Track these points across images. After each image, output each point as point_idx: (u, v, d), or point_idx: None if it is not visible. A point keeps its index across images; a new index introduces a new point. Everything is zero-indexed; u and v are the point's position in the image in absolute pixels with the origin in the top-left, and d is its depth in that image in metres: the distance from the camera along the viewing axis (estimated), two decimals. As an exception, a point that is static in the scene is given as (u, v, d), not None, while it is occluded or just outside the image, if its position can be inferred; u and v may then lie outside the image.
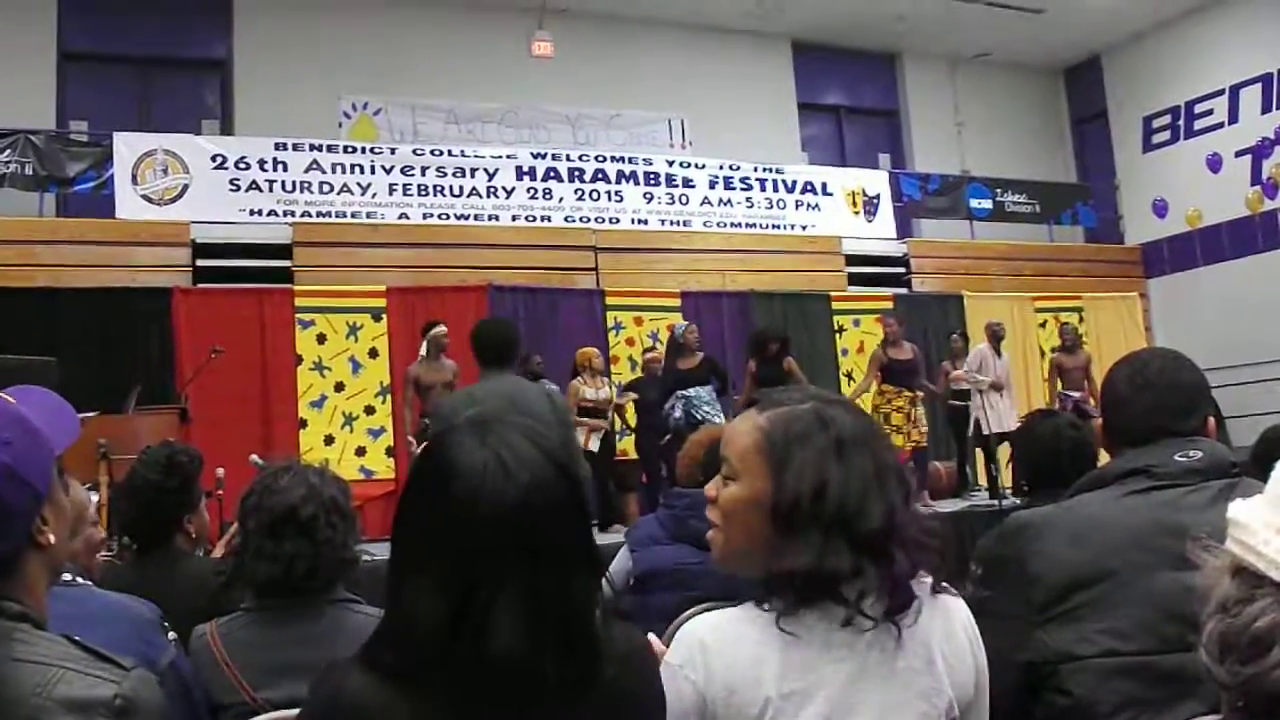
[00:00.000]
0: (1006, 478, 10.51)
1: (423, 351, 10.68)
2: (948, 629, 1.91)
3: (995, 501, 10.85)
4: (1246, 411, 10.97)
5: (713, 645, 1.82)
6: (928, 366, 12.72)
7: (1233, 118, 16.61)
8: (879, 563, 1.80)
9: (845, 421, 1.92)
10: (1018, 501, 4.47)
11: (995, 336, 12.41)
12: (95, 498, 7.71)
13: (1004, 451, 10.09)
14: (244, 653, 2.74)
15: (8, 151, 12.10)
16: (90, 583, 2.99)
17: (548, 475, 1.61)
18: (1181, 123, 17.34)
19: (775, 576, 1.84)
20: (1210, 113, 16.91)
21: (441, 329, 10.65)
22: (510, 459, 1.59)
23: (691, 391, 10.86)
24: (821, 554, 1.80)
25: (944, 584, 1.94)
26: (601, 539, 9.48)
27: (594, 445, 11.13)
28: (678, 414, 10.69)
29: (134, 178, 12.36)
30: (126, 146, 12.48)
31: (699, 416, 10.48)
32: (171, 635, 2.81)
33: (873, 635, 1.81)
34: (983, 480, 12.73)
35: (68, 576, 2.50)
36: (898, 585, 1.82)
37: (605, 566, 1.76)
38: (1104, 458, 2.71)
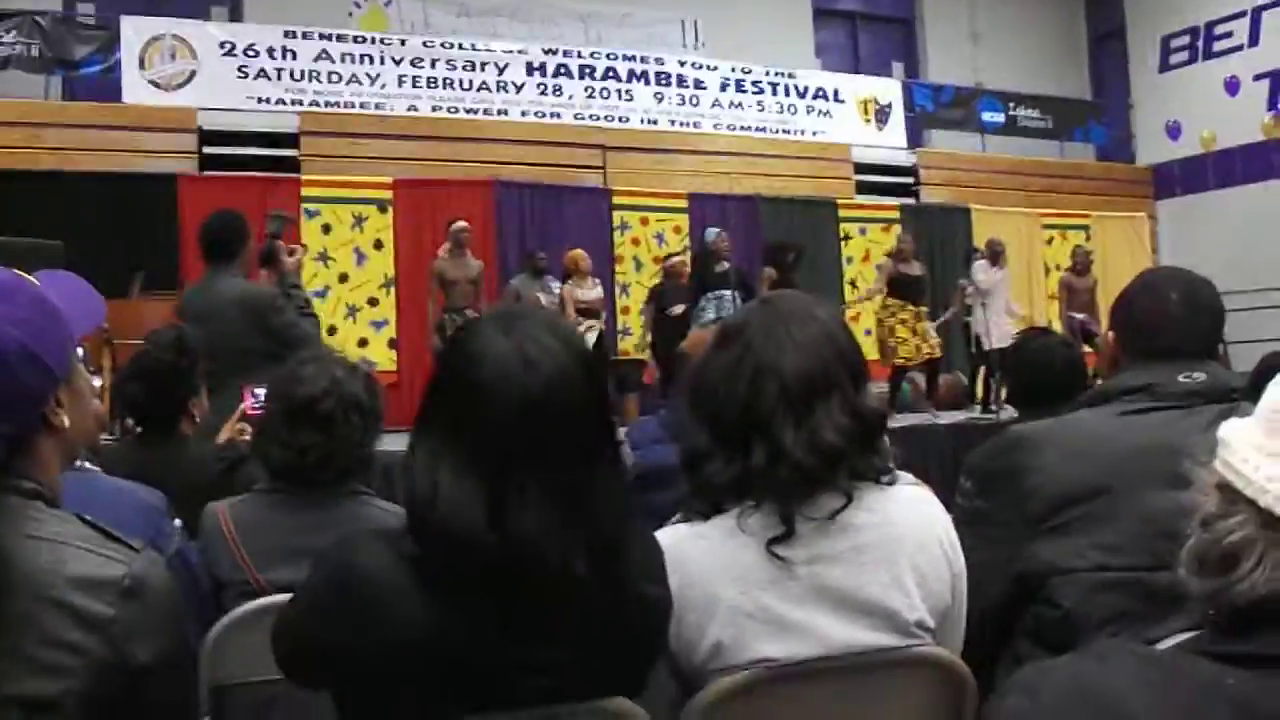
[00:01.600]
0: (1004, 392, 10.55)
1: (446, 247, 10.72)
2: (919, 539, 1.92)
3: (993, 415, 10.85)
4: (1251, 337, 10.94)
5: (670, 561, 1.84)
6: (933, 279, 12.67)
7: (1253, 40, 16.42)
8: (734, 456, 1.86)
9: (741, 317, 2.02)
10: (1015, 415, 4.49)
11: (992, 252, 12.35)
12: (98, 381, 7.77)
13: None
14: (252, 533, 2.76)
15: (13, 33, 11.99)
16: (97, 468, 3.02)
17: (569, 367, 1.63)
18: (1200, 43, 17.18)
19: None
20: (1230, 34, 16.73)
21: (462, 224, 10.77)
22: (533, 350, 1.62)
23: (723, 293, 10.84)
24: (693, 437, 1.92)
25: (910, 483, 1.99)
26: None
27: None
28: (710, 314, 10.63)
29: (141, 62, 12.28)
30: (134, 30, 12.38)
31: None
32: (177, 522, 2.86)
33: (804, 545, 1.84)
34: (981, 394, 12.73)
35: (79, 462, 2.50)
36: (774, 482, 1.83)
37: (623, 464, 1.76)
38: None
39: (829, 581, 1.84)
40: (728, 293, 10.83)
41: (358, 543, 1.66)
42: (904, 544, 1.89)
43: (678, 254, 12.10)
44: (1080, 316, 12.49)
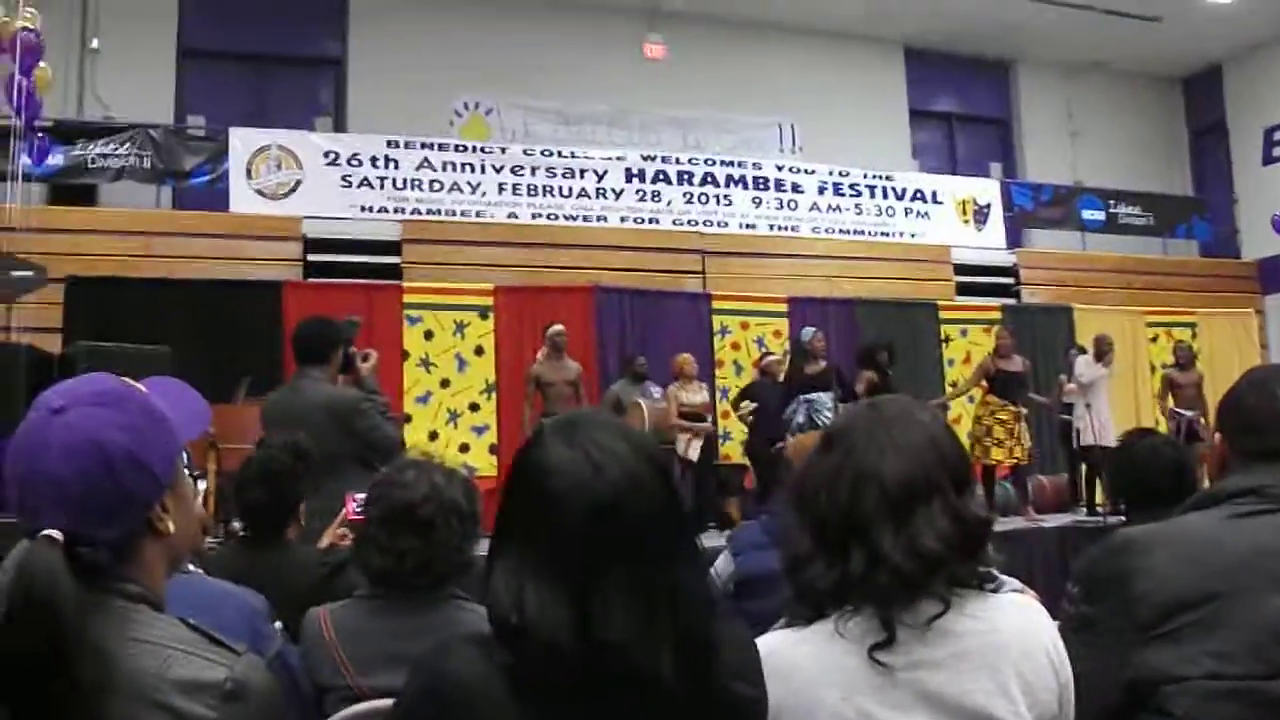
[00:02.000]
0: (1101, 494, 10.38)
1: (543, 350, 10.79)
2: (1024, 646, 1.85)
3: (1099, 518, 10.64)
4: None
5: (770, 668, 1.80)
6: (1036, 379, 12.50)
7: (1355, 131, 16.21)
8: (834, 561, 1.83)
9: (844, 421, 2.03)
10: (1121, 519, 4.40)
11: (1098, 349, 12.16)
12: (203, 485, 7.86)
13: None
14: (352, 639, 2.79)
15: (127, 145, 12.38)
16: (201, 570, 3.04)
17: (637, 468, 1.62)
18: (1304, 136, 16.94)
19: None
20: (1335, 125, 16.50)
21: (559, 327, 10.88)
22: (597, 455, 1.61)
23: (815, 396, 10.77)
24: (796, 542, 1.89)
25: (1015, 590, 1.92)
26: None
27: (694, 453, 11.13)
28: (800, 418, 10.58)
29: (248, 172, 12.57)
30: (241, 142, 12.70)
31: (819, 421, 10.37)
32: (278, 625, 2.90)
33: (905, 651, 1.80)
34: (1086, 496, 12.48)
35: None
36: (874, 588, 1.80)
37: (708, 560, 1.76)
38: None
39: (931, 687, 1.78)
40: (823, 395, 10.77)
41: (451, 649, 1.65)
42: (1008, 651, 1.82)
43: (773, 354, 12.06)
44: (1188, 414, 12.25)
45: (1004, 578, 2.10)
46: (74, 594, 1.45)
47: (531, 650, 1.54)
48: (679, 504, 1.71)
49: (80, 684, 1.42)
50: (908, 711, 1.78)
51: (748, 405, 11.76)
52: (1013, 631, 1.85)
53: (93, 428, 1.55)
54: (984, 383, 11.68)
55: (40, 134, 11.25)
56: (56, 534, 1.48)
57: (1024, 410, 11.56)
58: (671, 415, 11.08)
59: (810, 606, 1.88)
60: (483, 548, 2.86)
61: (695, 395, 11.44)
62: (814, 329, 11.53)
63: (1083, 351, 12.72)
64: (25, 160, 10.71)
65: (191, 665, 1.50)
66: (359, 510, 3.40)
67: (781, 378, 11.51)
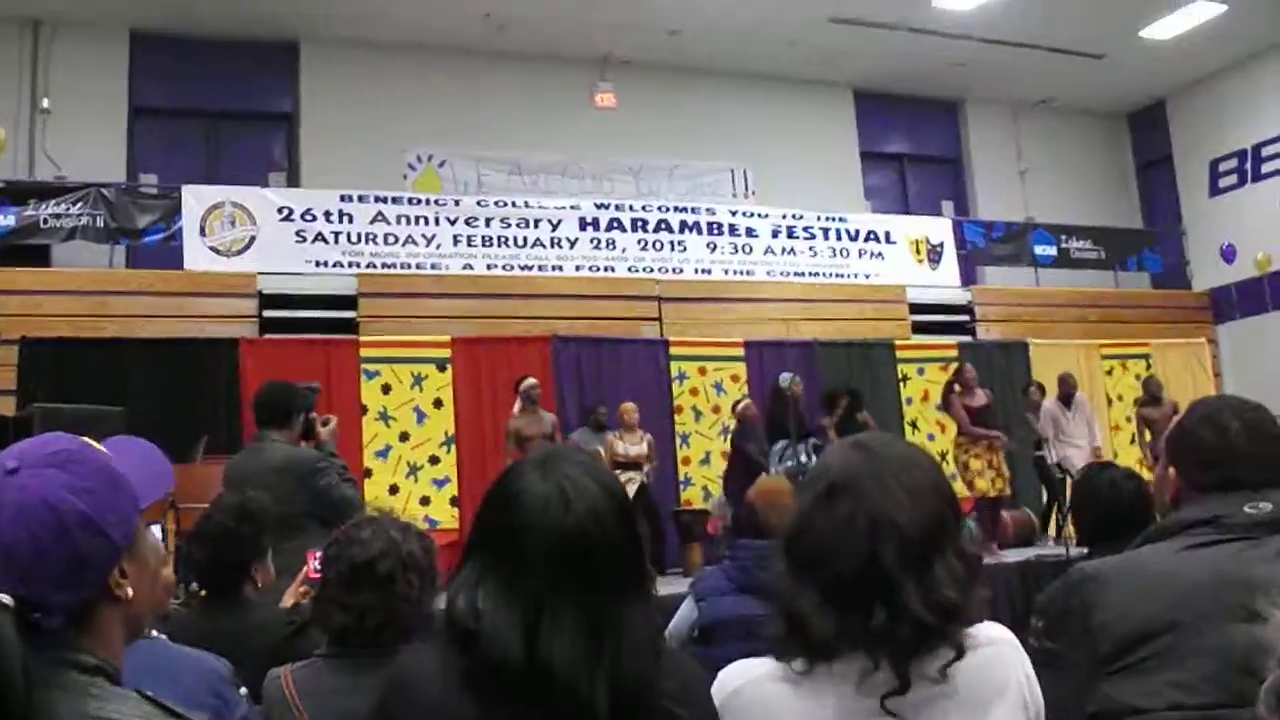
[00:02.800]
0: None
1: (518, 405, 10.82)
2: (1001, 688, 1.86)
3: (1062, 551, 10.70)
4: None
5: (731, 709, 1.85)
6: (996, 415, 12.58)
7: (1302, 161, 16.44)
8: (851, 615, 1.80)
9: (846, 466, 1.92)
10: (1084, 552, 4.44)
11: (1063, 391, 12.29)
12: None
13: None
14: (315, 699, 2.77)
15: (80, 204, 12.32)
16: (164, 636, 3.02)
17: (604, 507, 1.72)
18: (1249, 166, 17.20)
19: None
20: (1278, 155, 16.71)
21: (532, 381, 10.96)
22: (570, 490, 1.71)
23: (815, 440, 10.86)
24: (793, 594, 1.85)
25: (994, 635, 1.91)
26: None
27: (630, 491, 11.14)
28: (803, 457, 10.61)
29: (202, 229, 12.52)
30: (195, 199, 12.66)
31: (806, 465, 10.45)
32: (243, 690, 2.88)
33: (900, 699, 1.79)
34: (1055, 528, 12.56)
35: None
36: (894, 651, 1.78)
37: (653, 602, 1.80)
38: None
39: None
40: (806, 441, 10.85)
41: (408, 654, 1.81)
42: (986, 689, 1.84)
43: (747, 400, 12.09)
44: None
45: None
46: (21, 660, 1.41)
47: (481, 658, 1.64)
48: (637, 545, 1.78)
49: None
50: None
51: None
52: (991, 667, 1.87)
53: (45, 489, 1.51)
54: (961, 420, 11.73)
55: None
56: (6, 599, 1.45)
57: (996, 441, 11.61)
58: (607, 465, 11.10)
59: (807, 655, 1.84)
60: (442, 602, 2.91)
61: (633, 446, 11.45)
62: (791, 374, 11.57)
63: (1041, 390, 12.83)
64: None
65: None
66: (318, 569, 3.41)
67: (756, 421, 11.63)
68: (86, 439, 1.64)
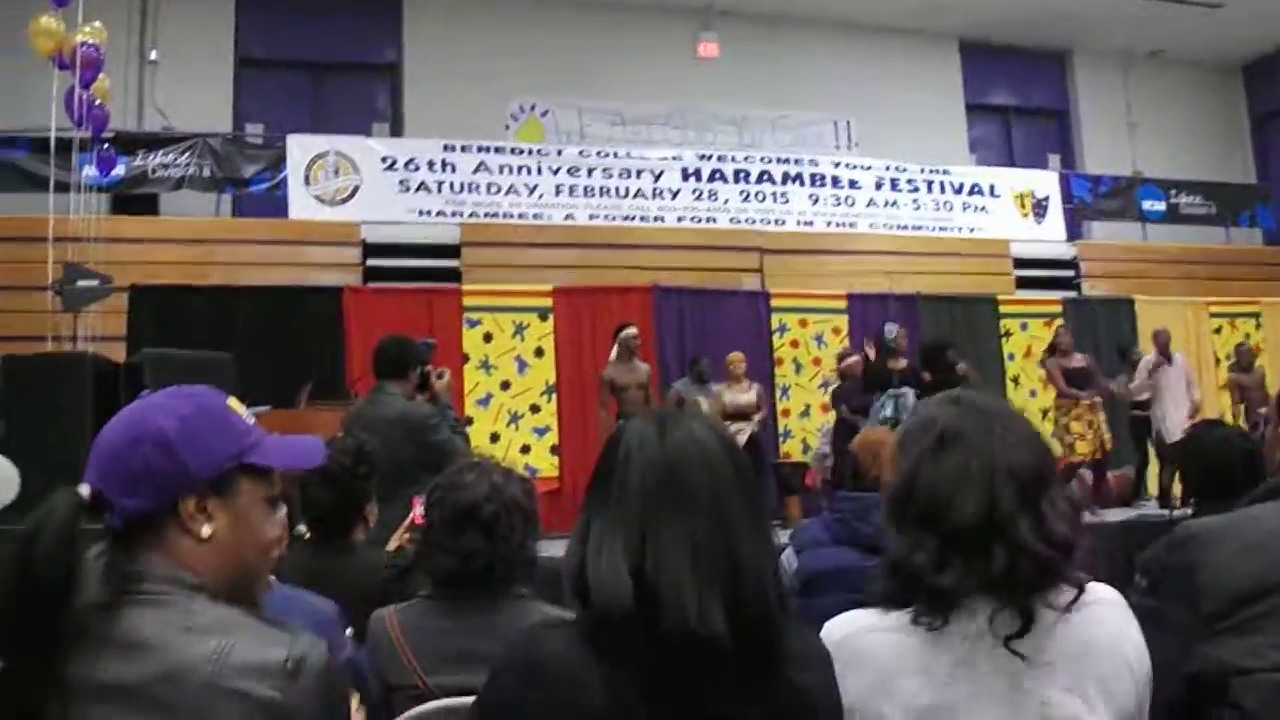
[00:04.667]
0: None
1: (614, 353, 10.80)
2: (1108, 648, 1.86)
3: (1165, 511, 10.53)
4: None
5: (840, 660, 1.83)
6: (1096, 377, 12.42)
7: None
8: (974, 561, 1.81)
9: (952, 419, 1.95)
10: (1187, 512, 4.35)
11: (1161, 345, 12.07)
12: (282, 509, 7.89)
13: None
14: (419, 638, 2.81)
15: (187, 154, 12.52)
16: (272, 576, 3.05)
17: (704, 438, 1.74)
18: (1369, 119, 16.71)
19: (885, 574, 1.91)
20: (1400, 106, 16.27)
21: (632, 330, 10.85)
22: (670, 422, 1.75)
23: (902, 390, 10.73)
24: (910, 548, 1.85)
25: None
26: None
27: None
28: (889, 411, 10.51)
29: (306, 179, 12.66)
30: (299, 148, 12.80)
31: (905, 417, 10.35)
32: (349, 631, 2.93)
33: (1005, 654, 1.80)
34: (1154, 489, 12.36)
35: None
36: (1016, 590, 1.80)
37: (773, 534, 1.79)
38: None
39: (1023, 684, 1.81)
40: (908, 390, 10.72)
41: (535, 630, 1.76)
42: (1095, 648, 1.85)
43: (853, 355, 11.98)
44: (1263, 412, 12.17)
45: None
46: (62, 526, 1.55)
47: (597, 610, 1.62)
48: (746, 479, 1.75)
49: (72, 625, 1.52)
50: (988, 707, 1.80)
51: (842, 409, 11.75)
52: (1104, 624, 1.88)
53: (145, 409, 1.70)
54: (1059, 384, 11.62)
55: (104, 145, 11.38)
56: (83, 488, 1.61)
57: (1099, 400, 11.50)
58: (715, 416, 11.05)
59: (928, 605, 1.85)
60: (544, 546, 2.89)
61: (742, 395, 11.37)
62: (897, 325, 11.48)
63: (1139, 356, 12.64)
64: (90, 171, 10.86)
65: (252, 649, 1.55)
66: (424, 514, 3.43)
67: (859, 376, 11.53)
68: (224, 394, 1.78)
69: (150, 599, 1.57)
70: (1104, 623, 1.88)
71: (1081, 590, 1.82)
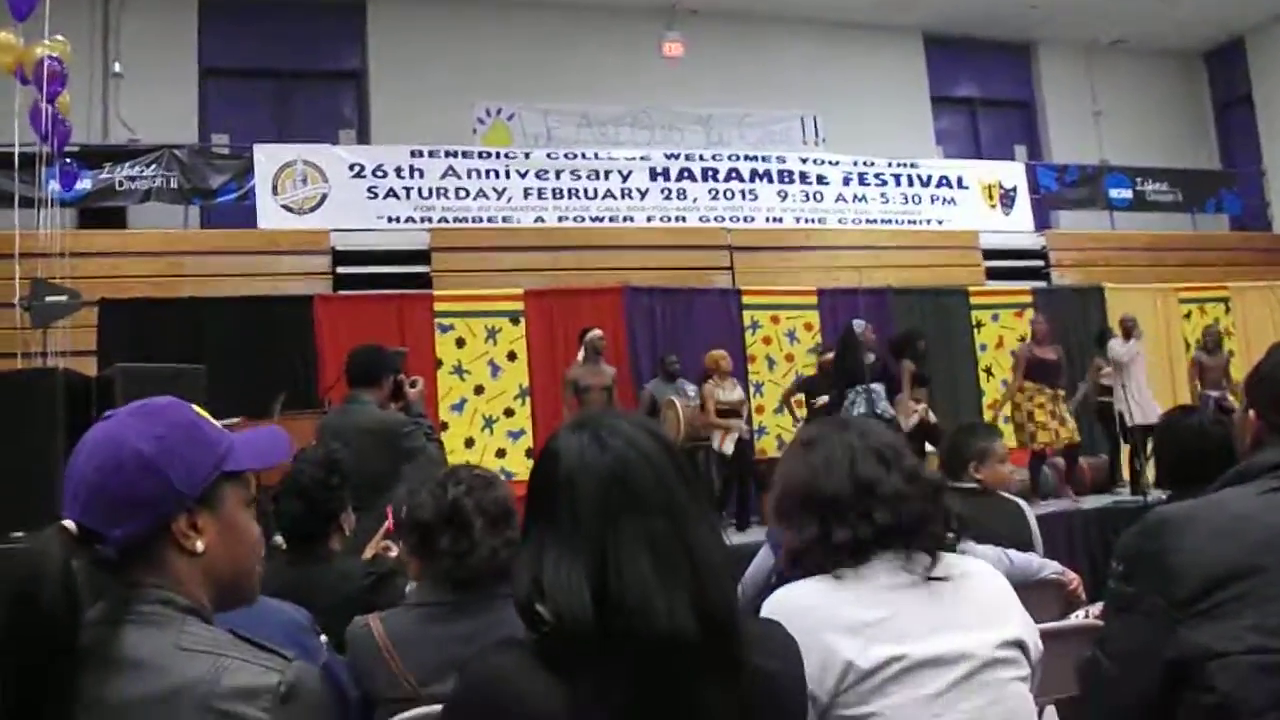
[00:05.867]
0: (1151, 472, 10.28)
1: (580, 354, 10.82)
2: (1008, 600, 2.26)
3: (1139, 497, 10.58)
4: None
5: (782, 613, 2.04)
6: (1070, 360, 12.46)
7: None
8: (859, 523, 2.16)
9: (814, 429, 2.43)
10: (1162, 497, 4.40)
11: (1124, 327, 12.13)
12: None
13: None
14: (408, 647, 2.79)
15: (154, 166, 12.46)
16: None
17: (641, 440, 1.73)
18: (1332, 102, 16.82)
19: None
20: (1363, 91, 16.37)
21: (597, 332, 10.86)
22: (604, 431, 1.74)
23: (874, 386, 10.77)
24: (801, 530, 2.22)
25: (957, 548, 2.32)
26: (740, 539, 9.41)
27: (729, 447, 11.10)
28: (861, 408, 10.54)
29: (274, 188, 12.63)
30: (266, 158, 12.76)
31: (879, 410, 10.42)
32: (323, 638, 2.90)
33: (924, 589, 2.16)
34: (1127, 475, 12.43)
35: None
36: (912, 536, 2.18)
37: (719, 524, 1.91)
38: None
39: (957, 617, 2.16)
40: (876, 385, 10.76)
41: (487, 649, 1.73)
42: (998, 597, 2.25)
43: (825, 350, 12.00)
44: (1215, 394, 12.33)
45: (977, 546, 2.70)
46: (62, 570, 1.51)
47: (557, 631, 1.60)
48: (686, 472, 1.77)
49: (74, 657, 1.51)
50: (938, 632, 2.11)
51: (799, 397, 11.84)
52: (997, 579, 2.30)
53: (118, 431, 1.66)
54: (1022, 372, 11.67)
55: (68, 159, 11.32)
56: (69, 523, 1.58)
57: (1061, 393, 11.56)
58: (709, 413, 11.06)
59: (834, 562, 2.17)
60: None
61: (731, 392, 11.38)
62: (864, 321, 11.49)
63: (1113, 335, 12.69)
64: (54, 186, 10.80)
65: (245, 672, 1.54)
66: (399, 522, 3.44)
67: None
68: (190, 403, 1.76)
69: (146, 619, 1.58)
70: (999, 579, 2.28)
71: (959, 538, 2.29)
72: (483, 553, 2.82)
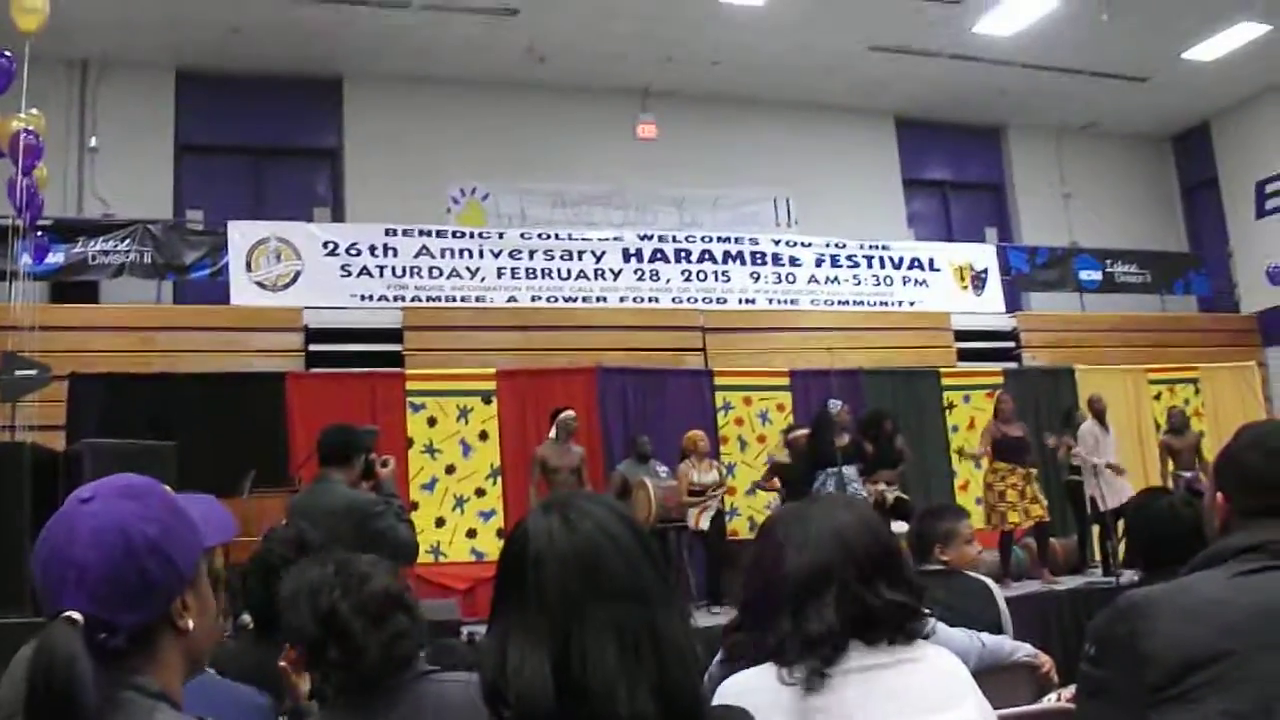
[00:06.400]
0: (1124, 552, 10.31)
1: (551, 434, 10.83)
2: (945, 684, 2.19)
3: (1112, 579, 10.60)
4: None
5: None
6: (1039, 442, 12.50)
7: (1348, 182, 16.29)
8: (822, 610, 2.15)
9: (785, 510, 2.46)
10: (1134, 578, 4.41)
11: (1097, 412, 12.21)
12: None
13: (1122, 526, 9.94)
14: None
15: (127, 241, 12.48)
16: (211, 669, 3.03)
17: (609, 519, 1.70)
18: (1296, 187, 17.00)
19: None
20: (1326, 175, 16.58)
21: (570, 413, 10.90)
22: (573, 514, 1.69)
23: (845, 469, 10.77)
24: (772, 621, 2.22)
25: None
26: (712, 619, 9.38)
27: (704, 524, 11.11)
28: (830, 488, 10.55)
29: (248, 265, 12.62)
30: (240, 234, 12.78)
31: (849, 492, 10.40)
32: None
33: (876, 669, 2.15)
34: (1100, 556, 12.45)
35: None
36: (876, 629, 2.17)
37: (689, 610, 1.84)
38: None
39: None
40: (849, 468, 10.77)
41: None
42: (936, 677, 2.19)
43: (801, 430, 11.99)
44: (1187, 475, 12.42)
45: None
46: (90, 676, 1.48)
47: (515, 708, 1.58)
48: (656, 557, 1.75)
49: None
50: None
51: (775, 483, 11.87)
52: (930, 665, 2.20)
53: (119, 516, 1.62)
54: (989, 450, 11.71)
55: (40, 233, 11.31)
56: (76, 615, 1.53)
57: (1034, 471, 11.60)
58: (682, 494, 11.07)
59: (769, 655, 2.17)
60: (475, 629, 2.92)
61: (707, 474, 11.41)
62: (839, 402, 11.51)
63: (1083, 419, 12.75)
64: (26, 259, 10.78)
65: None
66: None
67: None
68: (155, 481, 1.73)
69: (119, 707, 1.55)
70: (938, 657, 2.22)
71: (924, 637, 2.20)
72: (372, 655, 2.74)
